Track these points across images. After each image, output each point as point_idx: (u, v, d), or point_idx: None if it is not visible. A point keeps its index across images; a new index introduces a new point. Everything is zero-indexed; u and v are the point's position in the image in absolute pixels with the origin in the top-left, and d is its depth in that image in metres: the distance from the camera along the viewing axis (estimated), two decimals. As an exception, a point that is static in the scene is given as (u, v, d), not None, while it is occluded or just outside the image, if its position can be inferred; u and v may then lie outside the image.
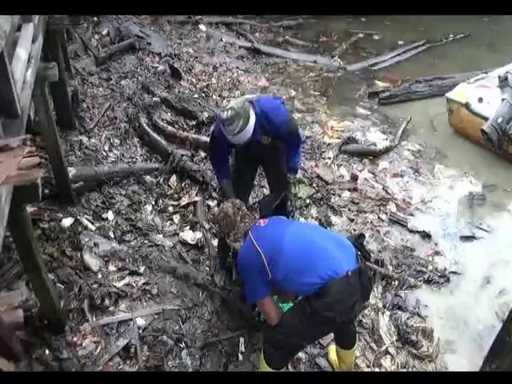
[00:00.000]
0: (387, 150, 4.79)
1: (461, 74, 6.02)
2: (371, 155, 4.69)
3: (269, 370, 2.22)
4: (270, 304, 2.18)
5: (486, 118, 4.54)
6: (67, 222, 3.18)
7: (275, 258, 2.04)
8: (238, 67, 6.18)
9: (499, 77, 4.63)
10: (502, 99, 4.49)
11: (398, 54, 7.00)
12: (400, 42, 7.34)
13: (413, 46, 7.18)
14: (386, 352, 2.79)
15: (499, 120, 4.41)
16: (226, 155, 2.71)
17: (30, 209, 3.03)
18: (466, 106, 4.82)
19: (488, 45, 7.35)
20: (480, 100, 4.76)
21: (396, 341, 2.85)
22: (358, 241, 2.16)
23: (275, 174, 2.86)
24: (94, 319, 2.67)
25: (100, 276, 2.92)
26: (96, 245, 3.11)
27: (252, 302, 2.19)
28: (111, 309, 2.75)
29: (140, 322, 2.73)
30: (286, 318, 2.17)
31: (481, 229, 3.84)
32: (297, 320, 2.09)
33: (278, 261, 2.04)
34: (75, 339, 2.53)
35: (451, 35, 7.53)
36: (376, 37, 7.57)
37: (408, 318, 2.97)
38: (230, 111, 2.29)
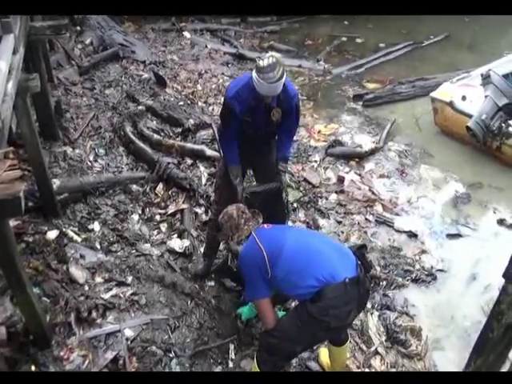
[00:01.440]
0: (373, 152, 4.83)
1: (443, 74, 6.12)
2: (357, 157, 4.73)
3: None
4: (268, 306, 2.17)
5: (470, 116, 4.62)
6: (52, 234, 3.14)
7: (275, 258, 2.06)
8: (223, 73, 6.20)
9: (482, 74, 4.72)
10: (485, 96, 4.57)
11: (382, 56, 7.10)
12: (381, 45, 7.44)
13: (396, 48, 7.28)
14: (376, 352, 2.79)
15: (483, 116, 4.49)
16: (235, 132, 2.59)
17: (13, 222, 2.99)
18: (451, 104, 4.89)
19: (469, 45, 7.49)
20: (464, 98, 4.84)
21: (385, 341, 2.86)
22: (359, 250, 2.17)
23: (266, 165, 2.83)
24: (81, 332, 2.64)
25: (86, 288, 2.89)
26: (82, 257, 3.08)
27: (250, 300, 2.19)
28: (99, 321, 2.72)
29: (128, 333, 2.71)
30: (281, 323, 2.18)
31: (466, 226, 3.89)
32: (293, 324, 2.11)
33: (278, 261, 2.06)
34: (62, 354, 2.50)
35: (432, 37, 7.66)
36: (358, 40, 7.67)
37: (396, 318, 2.99)
38: (270, 58, 2.31)
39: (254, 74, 2.38)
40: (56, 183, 3.43)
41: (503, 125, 4.51)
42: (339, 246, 2.21)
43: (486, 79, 4.63)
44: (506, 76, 4.92)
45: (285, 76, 2.37)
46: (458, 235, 3.80)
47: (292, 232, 2.23)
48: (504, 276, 1.85)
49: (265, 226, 2.26)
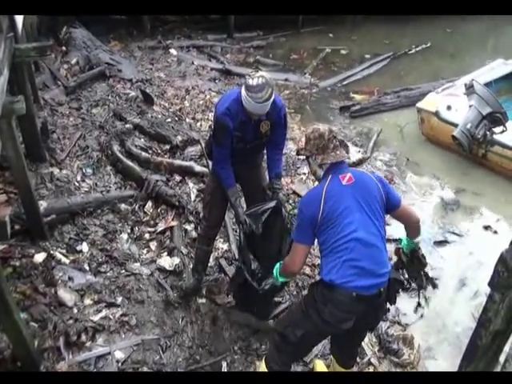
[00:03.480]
0: (360, 162, 4.87)
1: (427, 84, 6.24)
2: (345, 168, 4.76)
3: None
4: (303, 252, 2.14)
5: (455, 125, 4.71)
6: (40, 257, 3.11)
7: (327, 224, 2.02)
8: (210, 89, 6.23)
9: (465, 84, 4.82)
10: (470, 106, 4.66)
11: (367, 67, 7.22)
12: (367, 56, 7.57)
13: (380, 58, 7.42)
14: (369, 363, 2.79)
15: (468, 126, 4.57)
16: (229, 150, 2.59)
17: (-1, 247, 2.97)
18: (436, 114, 4.99)
19: (451, 55, 7.65)
20: (449, 108, 4.94)
21: (378, 351, 2.87)
22: (394, 280, 2.15)
23: (253, 179, 2.85)
24: (71, 356, 2.60)
25: (75, 311, 2.85)
26: (70, 279, 3.04)
27: (294, 239, 2.17)
28: (88, 344, 2.69)
29: (119, 355, 2.67)
30: (290, 309, 2.34)
31: (453, 233, 3.93)
32: (299, 308, 2.22)
33: (327, 229, 2.03)
34: (51, 379, 2.45)
35: (414, 46, 7.83)
36: (343, 52, 7.79)
37: (388, 327, 3.00)
38: (260, 78, 2.36)
39: (243, 90, 2.41)
40: (43, 205, 3.40)
41: (488, 133, 4.59)
42: (382, 261, 2.08)
43: (470, 89, 4.72)
44: (488, 84, 5.05)
45: (273, 96, 2.41)
46: (445, 242, 3.83)
47: (358, 216, 2.03)
48: (489, 284, 1.86)
49: (346, 176, 2.08)
